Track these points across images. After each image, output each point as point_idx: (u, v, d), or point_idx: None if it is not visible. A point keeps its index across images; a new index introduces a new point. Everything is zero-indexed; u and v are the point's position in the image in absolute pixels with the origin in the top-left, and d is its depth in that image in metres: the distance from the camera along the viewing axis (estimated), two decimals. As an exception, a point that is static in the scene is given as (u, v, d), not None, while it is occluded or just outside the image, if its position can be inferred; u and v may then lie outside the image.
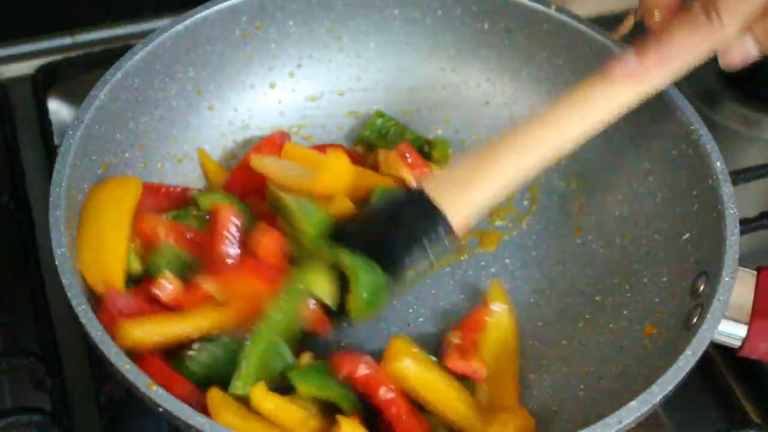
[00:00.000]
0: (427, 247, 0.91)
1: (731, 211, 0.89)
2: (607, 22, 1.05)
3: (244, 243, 0.93)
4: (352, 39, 1.12)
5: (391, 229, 0.93)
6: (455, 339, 0.95)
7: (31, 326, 0.98)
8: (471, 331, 0.96)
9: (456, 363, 0.93)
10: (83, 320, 0.81)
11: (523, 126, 0.91)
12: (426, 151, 1.09)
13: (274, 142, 1.06)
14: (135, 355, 0.82)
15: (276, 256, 0.92)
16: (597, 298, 1.00)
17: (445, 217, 0.90)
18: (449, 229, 0.91)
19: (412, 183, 1.02)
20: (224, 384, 0.85)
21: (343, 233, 0.94)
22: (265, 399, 0.84)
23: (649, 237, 0.99)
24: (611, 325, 0.97)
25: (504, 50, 1.11)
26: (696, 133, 0.95)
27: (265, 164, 1.00)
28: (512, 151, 0.91)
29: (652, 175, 1.01)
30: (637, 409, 0.78)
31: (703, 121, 0.96)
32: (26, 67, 1.24)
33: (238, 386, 0.85)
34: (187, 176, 1.06)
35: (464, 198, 0.91)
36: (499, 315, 0.97)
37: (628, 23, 0.98)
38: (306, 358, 0.90)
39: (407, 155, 1.04)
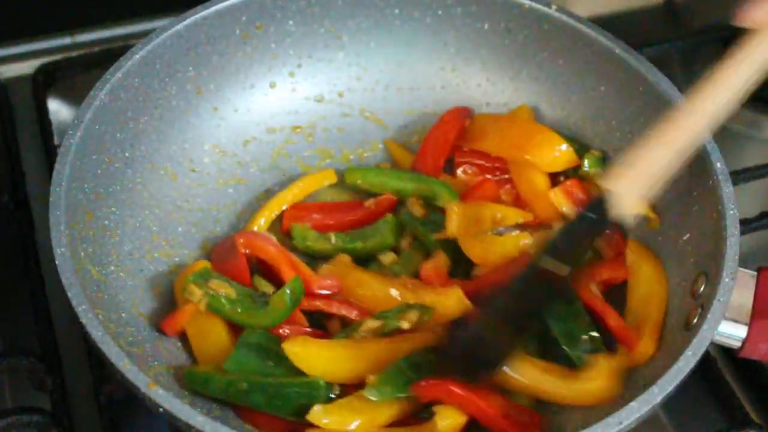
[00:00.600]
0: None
1: (731, 212, 0.89)
2: (607, 22, 1.05)
3: None
4: (352, 39, 1.12)
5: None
6: (596, 291, 0.96)
7: (31, 326, 0.98)
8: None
9: (618, 322, 0.93)
10: (83, 320, 0.81)
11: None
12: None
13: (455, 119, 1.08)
14: None
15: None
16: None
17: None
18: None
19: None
20: None
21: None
22: None
23: (649, 237, 0.99)
24: (611, 326, 0.97)
25: (504, 50, 1.11)
26: (696, 134, 0.95)
27: None
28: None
29: (652, 175, 1.01)
30: (637, 409, 0.78)
31: (703, 121, 0.96)
32: (26, 67, 1.24)
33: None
34: (187, 175, 1.06)
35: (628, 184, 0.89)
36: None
37: None
38: None
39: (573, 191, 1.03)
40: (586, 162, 1.04)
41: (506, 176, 1.06)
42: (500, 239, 0.99)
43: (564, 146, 1.04)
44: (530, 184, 1.04)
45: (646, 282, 0.96)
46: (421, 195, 1.06)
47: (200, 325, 0.93)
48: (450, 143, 1.08)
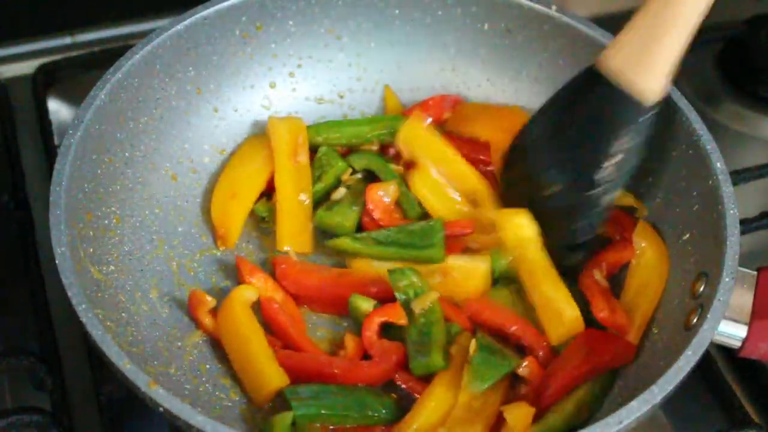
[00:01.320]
0: (629, 145, 0.91)
1: (731, 212, 0.89)
2: (607, 22, 1.05)
3: None
4: (353, 39, 1.12)
5: (581, 134, 0.93)
6: (599, 277, 0.97)
7: (31, 326, 0.98)
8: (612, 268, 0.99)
9: (604, 314, 0.94)
10: (83, 320, 0.81)
11: None
12: None
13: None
14: None
15: None
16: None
17: (638, 100, 0.89)
18: (648, 111, 0.90)
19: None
20: None
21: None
22: None
23: (649, 237, 0.99)
24: (611, 326, 0.97)
25: (504, 50, 1.11)
26: (696, 134, 0.95)
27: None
28: (673, 7, 0.88)
29: (652, 175, 1.01)
30: (637, 409, 0.78)
31: (703, 121, 0.96)
32: (26, 67, 1.24)
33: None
34: (187, 175, 1.06)
35: (655, 68, 0.89)
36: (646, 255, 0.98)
37: None
38: None
39: None
40: None
41: (489, 168, 1.07)
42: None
43: None
44: None
45: (646, 269, 0.97)
46: (379, 136, 1.08)
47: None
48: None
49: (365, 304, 0.96)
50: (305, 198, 1.04)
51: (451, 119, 1.11)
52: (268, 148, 1.06)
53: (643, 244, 0.98)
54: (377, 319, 0.94)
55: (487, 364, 0.89)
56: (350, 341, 0.95)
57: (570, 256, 0.98)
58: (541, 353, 0.93)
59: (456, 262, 0.99)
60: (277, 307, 0.97)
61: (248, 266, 1.00)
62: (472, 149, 1.07)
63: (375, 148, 1.09)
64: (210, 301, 0.96)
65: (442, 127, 1.10)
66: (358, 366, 0.93)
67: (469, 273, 0.98)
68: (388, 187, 1.04)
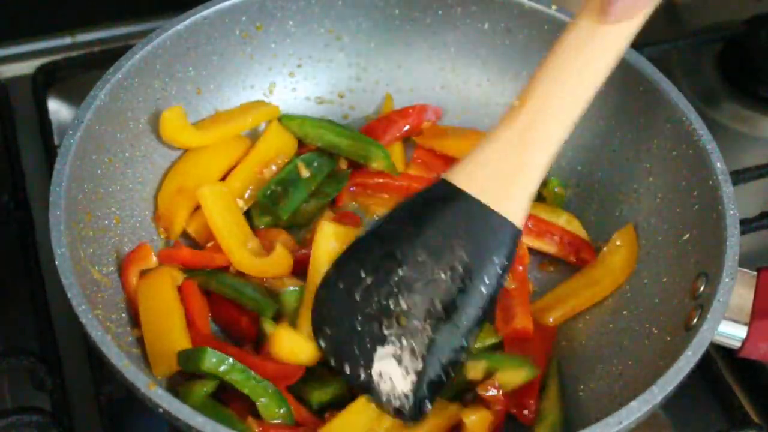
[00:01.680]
0: (502, 266, 0.81)
1: (731, 212, 0.89)
2: (607, 23, 1.05)
3: None
4: (353, 39, 1.12)
5: (443, 252, 0.82)
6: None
7: (31, 326, 0.98)
8: None
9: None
10: (83, 320, 0.81)
11: (538, 97, 0.82)
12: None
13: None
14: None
15: None
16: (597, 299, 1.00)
17: (510, 222, 0.81)
18: (517, 234, 0.81)
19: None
20: None
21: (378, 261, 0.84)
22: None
23: (649, 237, 0.99)
24: (611, 326, 0.97)
25: (504, 50, 1.11)
26: (696, 134, 0.95)
27: None
28: (543, 124, 0.81)
29: (652, 175, 1.01)
30: (637, 409, 0.78)
31: (703, 121, 0.96)
32: (26, 67, 1.24)
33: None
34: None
35: (520, 192, 0.82)
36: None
37: None
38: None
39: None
40: (553, 186, 1.05)
41: None
42: None
43: None
44: None
45: (607, 269, 0.99)
46: (354, 153, 1.07)
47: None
48: (400, 130, 1.10)
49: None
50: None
51: (425, 133, 1.11)
52: (223, 148, 1.05)
53: (617, 244, 1.00)
54: None
55: None
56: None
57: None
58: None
59: None
60: (193, 292, 0.96)
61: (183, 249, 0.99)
62: (444, 162, 1.07)
63: (343, 167, 1.08)
64: (153, 261, 0.95)
65: (417, 139, 1.10)
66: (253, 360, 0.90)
67: None
68: None
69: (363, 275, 0.85)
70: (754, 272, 0.88)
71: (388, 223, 0.87)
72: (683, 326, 0.88)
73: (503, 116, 0.85)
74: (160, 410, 0.77)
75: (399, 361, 0.83)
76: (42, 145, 1.13)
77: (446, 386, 0.85)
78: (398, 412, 0.84)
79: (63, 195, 0.88)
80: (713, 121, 1.24)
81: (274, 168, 1.05)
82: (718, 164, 0.93)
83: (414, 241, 0.84)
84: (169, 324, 0.91)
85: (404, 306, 0.83)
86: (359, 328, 0.84)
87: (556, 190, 1.05)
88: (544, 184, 1.05)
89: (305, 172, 1.04)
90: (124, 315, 0.91)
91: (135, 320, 0.93)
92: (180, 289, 0.96)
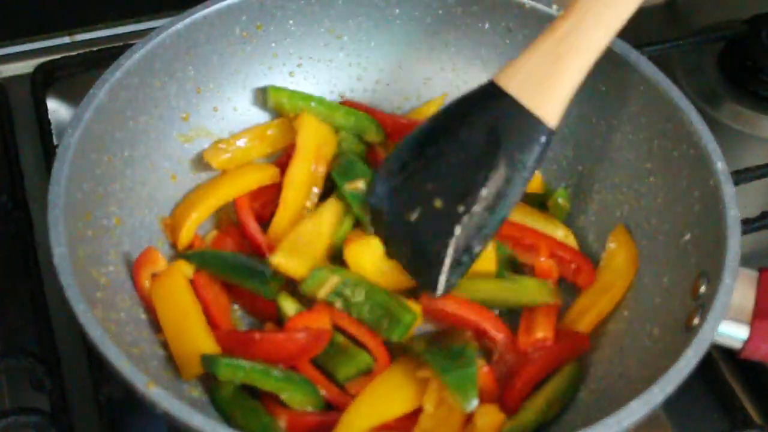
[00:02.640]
0: (528, 163, 0.88)
1: (732, 212, 0.89)
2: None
3: None
4: (353, 38, 1.12)
5: (473, 147, 0.90)
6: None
7: (30, 326, 0.97)
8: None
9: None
10: (83, 320, 0.80)
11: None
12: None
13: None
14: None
15: None
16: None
17: (544, 123, 0.87)
18: (548, 133, 0.87)
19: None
20: None
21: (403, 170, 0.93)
22: None
23: (649, 237, 0.99)
24: (612, 326, 0.97)
25: (504, 50, 1.10)
26: (697, 134, 0.95)
27: None
28: (589, 25, 0.86)
29: (653, 175, 1.00)
30: (637, 410, 0.78)
31: (704, 121, 0.96)
32: (25, 67, 1.24)
33: None
34: (187, 174, 1.06)
35: (556, 93, 0.87)
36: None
37: None
38: None
39: None
40: (557, 197, 1.05)
41: None
42: None
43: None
44: None
45: (613, 272, 0.99)
46: (347, 128, 1.08)
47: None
48: None
49: (289, 306, 0.95)
50: (310, 206, 1.03)
51: None
52: (248, 173, 1.05)
53: (615, 246, 1.00)
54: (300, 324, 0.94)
55: (460, 378, 0.87)
56: (270, 328, 0.96)
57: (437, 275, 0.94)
58: (505, 348, 0.94)
59: None
60: (206, 283, 0.96)
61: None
62: None
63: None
64: (163, 263, 0.96)
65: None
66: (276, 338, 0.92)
67: None
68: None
69: (412, 161, 0.94)
70: (755, 272, 0.88)
71: (437, 118, 0.95)
72: (684, 326, 0.88)
73: (547, 26, 0.90)
74: (160, 410, 0.77)
75: (435, 239, 0.91)
76: (41, 145, 1.12)
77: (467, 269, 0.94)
78: (428, 287, 0.93)
79: (62, 195, 0.87)
80: (714, 121, 1.24)
81: (321, 167, 1.05)
82: (719, 164, 0.93)
83: (457, 134, 0.92)
84: (188, 324, 0.91)
85: (442, 191, 0.92)
86: (406, 209, 0.93)
87: (559, 201, 1.05)
88: (549, 193, 1.05)
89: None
90: (123, 315, 0.91)
91: (156, 325, 0.93)
92: (192, 282, 0.96)
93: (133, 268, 0.95)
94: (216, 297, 0.96)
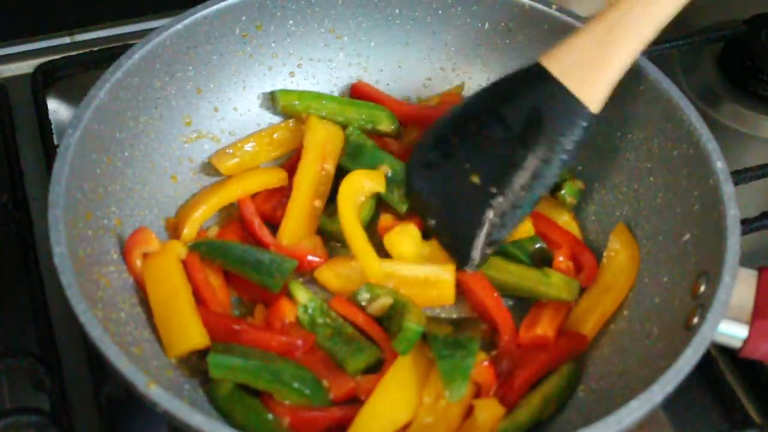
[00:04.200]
0: (567, 146, 0.89)
1: (732, 212, 0.89)
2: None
3: None
4: (353, 38, 1.12)
5: (514, 126, 0.92)
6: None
7: (30, 326, 0.97)
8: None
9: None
10: (82, 320, 0.80)
11: None
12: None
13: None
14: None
15: None
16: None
17: (587, 107, 0.89)
18: (590, 118, 0.89)
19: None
20: None
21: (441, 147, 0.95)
22: None
23: (649, 237, 0.99)
24: (612, 326, 0.97)
25: (504, 50, 1.11)
26: (697, 134, 0.95)
27: None
28: (638, 16, 0.88)
29: (652, 175, 1.01)
30: (637, 409, 0.78)
31: (703, 120, 0.96)
32: (25, 67, 1.24)
33: None
34: (187, 174, 1.06)
35: (601, 79, 0.89)
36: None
37: None
38: None
39: None
40: (564, 190, 1.04)
41: None
42: None
43: None
44: None
45: (615, 271, 0.99)
46: (360, 121, 1.08)
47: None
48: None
49: (301, 294, 0.96)
50: (319, 204, 1.03)
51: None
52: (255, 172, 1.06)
53: (617, 246, 1.00)
54: None
55: (454, 367, 0.88)
56: (260, 312, 0.96)
57: (474, 249, 0.96)
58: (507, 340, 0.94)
59: (419, 272, 0.97)
60: (198, 264, 0.96)
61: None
62: None
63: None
64: (156, 244, 0.96)
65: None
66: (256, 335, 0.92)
67: (431, 283, 0.97)
68: None
69: (452, 137, 0.96)
70: (754, 272, 0.88)
71: (480, 95, 0.97)
72: (684, 326, 0.88)
73: (597, 13, 0.91)
74: (160, 410, 0.77)
75: (472, 215, 0.93)
76: (41, 145, 1.12)
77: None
78: (464, 262, 0.95)
79: (62, 194, 0.88)
80: (714, 121, 1.24)
81: (329, 165, 1.05)
82: (719, 164, 0.93)
83: (498, 111, 0.93)
84: (176, 305, 0.92)
85: (480, 167, 0.94)
86: (444, 184, 0.96)
87: (565, 195, 1.04)
88: (558, 187, 1.05)
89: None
90: (123, 315, 0.91)
91: (148, 306, 0.93)
92: (184, 263, 0.96)
93: (125, 247, 0.95)
94: (206, 280, 0.96)
